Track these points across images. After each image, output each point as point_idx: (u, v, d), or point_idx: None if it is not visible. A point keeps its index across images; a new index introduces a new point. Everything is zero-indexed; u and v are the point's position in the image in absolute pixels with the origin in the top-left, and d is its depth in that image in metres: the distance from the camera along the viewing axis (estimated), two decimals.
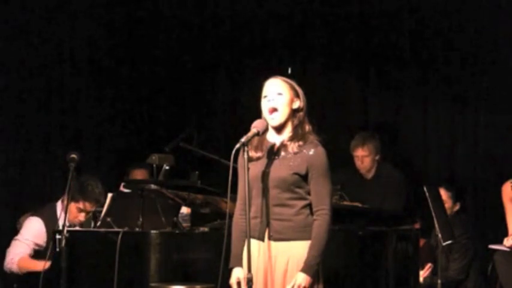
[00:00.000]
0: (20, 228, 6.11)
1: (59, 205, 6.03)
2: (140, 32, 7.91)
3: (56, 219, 5.90)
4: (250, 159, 4.16)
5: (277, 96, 4.22)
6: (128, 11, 7.80)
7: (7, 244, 6.02)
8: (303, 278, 4.08)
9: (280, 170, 4.17)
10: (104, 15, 7.69)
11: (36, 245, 5.91)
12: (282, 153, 4.21)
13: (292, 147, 4.20)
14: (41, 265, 5.47)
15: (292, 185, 4.16)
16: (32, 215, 6.04)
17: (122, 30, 7.84)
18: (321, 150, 4.21)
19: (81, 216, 6.00)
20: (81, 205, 5.95)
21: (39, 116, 7.30)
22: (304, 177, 4.17)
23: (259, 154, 4.23)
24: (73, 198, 5.78)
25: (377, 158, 6.99)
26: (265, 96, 4.25)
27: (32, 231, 5.93)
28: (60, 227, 5.21)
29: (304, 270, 4.09)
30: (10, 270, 5.91)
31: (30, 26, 7.25)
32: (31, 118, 7.25)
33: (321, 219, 4.13)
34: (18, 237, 5.96)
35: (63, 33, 7.47)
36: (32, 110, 7.27)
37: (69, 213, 5.89)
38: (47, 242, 5.82)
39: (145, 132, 7.90)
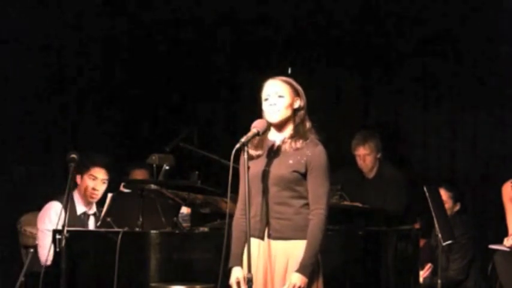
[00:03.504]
0: (22, 226, 6.13)
1: (76, 193, 6.03)
2: (141, 32, 7.90)
3: (74, 205, 5.94)
4: (250, 158, 4.15)
5: (279, 99, 4.20)
6: (128, 14, 7.80)
7: (7, 244, 6.00)
8: (297, 278, 4.07)
9: (279, 168, 4.17)
10: (104, 19, 7.68)
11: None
12: (282, 152, 4.20)
13: (293, 145, 4.19)
14: None
15: (292, 183, 4.15)
16: (52, 200, 6.02)
17: (123, 32, 7.83)
18: (320, 149, 4.20)
19: (97, 186, 6.01)
20: (92, 172, 5.99)
21: (39, 116, 7.30)
22: (304, 176, 4.16)
23: (259, 152, 4.23)
24: (84, 167, 5.81)
25: (378, 156, 6.99)
26: (266, 99, 4.23)
27: (54, 216, 5.82)
28: (61, 227, 5.20)
29: (299, 270, 4.08)
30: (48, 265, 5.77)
31: (32, 26, 7.25)
32: (31, 118, 7.25)
33: (316, 219, 4.11)
34: (43, 227, 5.90)
35: (64, 34, 7.46)
36: (33, 110, 7.27)
37: (86, 191, 5.99)
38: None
39: (145, 132, 7.89)
